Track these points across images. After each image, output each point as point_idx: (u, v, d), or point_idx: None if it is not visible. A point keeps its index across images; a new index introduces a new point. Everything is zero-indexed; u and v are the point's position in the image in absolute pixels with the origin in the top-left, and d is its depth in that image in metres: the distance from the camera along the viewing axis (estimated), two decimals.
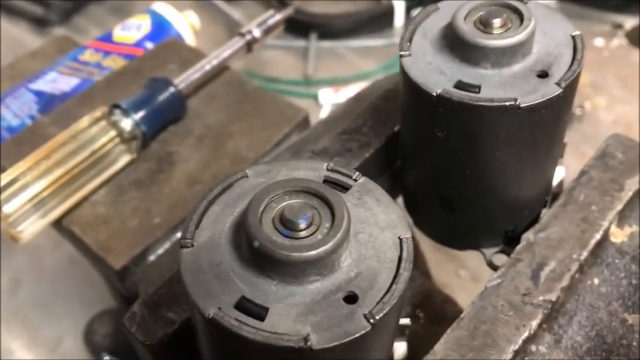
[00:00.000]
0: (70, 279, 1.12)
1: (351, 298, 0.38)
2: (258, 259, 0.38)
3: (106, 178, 0.77)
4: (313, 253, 0.37)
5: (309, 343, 0.36)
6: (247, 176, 0.44)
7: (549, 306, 0.49)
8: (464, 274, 1.10)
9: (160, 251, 0.73)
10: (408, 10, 1.38)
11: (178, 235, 0.73)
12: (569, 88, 0.49)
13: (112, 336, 1.01)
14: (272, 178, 0.43)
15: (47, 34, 1.45)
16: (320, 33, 1.38)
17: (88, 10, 1.52)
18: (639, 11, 1.39)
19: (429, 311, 0.75)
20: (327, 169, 0.44)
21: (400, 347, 0.56)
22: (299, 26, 1.36)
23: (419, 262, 0.91)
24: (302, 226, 0.38)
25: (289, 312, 0.37)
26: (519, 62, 0.50)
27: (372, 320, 0.37)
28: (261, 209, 0.39)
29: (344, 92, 1.28)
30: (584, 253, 0.52)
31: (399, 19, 1.39)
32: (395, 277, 0.39)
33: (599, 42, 1.38)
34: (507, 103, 0.47)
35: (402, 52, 0.51)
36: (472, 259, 1.07)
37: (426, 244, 0.98)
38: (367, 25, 1.40)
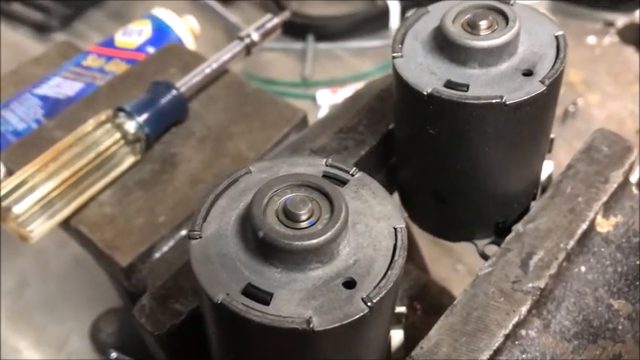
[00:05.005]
0: (75, 279, 1.14)
1: (350, 284, 0.41)
2: (263, 248, 0.41)
3: (112, 179, 0.78)
4: (314, 241, 0.40)
5: (311, 325, 0.39)
6: (251, 172, 0.46)
7: (538, 292, 0.51)
8: (461, 269, 1.12)
9: (165, 248, 0.75)
10: (403, 11, 1.39)
11: (183, 232, 0.75)
12: (553, 86, 0.51)
13: (117, 334, 1.03)
14: (274, 173, 0.46)
15: (48, 40, 1.46)
16: (317, 35, 1.40)
17: (88, 16, 1.53)
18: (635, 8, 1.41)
19: (426, 303, 0.77)
20: (326, 165, 0.47)
21: (397, 335, 0.58)
22: (296, 28, 1.38)
23: (416, 256, 0.93)
24: (303, 217, 0.41)
25: (292, 297, 0.40)
26: (505, 62, 0.52)
27: (369, 303, 0.40)
28: (265, 202, 0.41)
29: (341, 93, 1.30)
30: (572, 243, 0.55)
31: (394, 20, 1.41)
32: (390, 263, 0.42)
33: (591, 40, 1.40)
34: (494, 101, 0.50)
35: (394, 54, 0.54)
36: (469, 254, 1.09)
37: (424, 240, 1.00)
38: (363, 27, 1.41)
